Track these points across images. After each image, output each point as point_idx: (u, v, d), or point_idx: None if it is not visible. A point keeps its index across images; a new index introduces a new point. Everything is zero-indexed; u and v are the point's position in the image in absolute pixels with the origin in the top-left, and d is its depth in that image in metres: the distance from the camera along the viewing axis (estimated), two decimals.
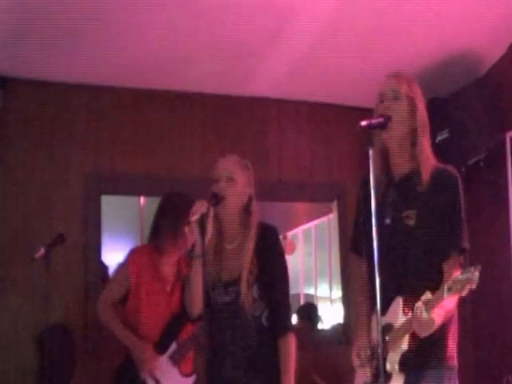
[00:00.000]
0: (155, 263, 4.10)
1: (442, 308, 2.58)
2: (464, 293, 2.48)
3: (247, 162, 3.25)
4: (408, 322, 2.64)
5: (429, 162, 2.82)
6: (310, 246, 8.37)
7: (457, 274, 2.59)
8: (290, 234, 8.51)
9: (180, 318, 3.99)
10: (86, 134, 5.05)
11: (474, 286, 2.45)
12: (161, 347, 4.01)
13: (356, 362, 2.88)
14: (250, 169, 3.24)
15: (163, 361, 3.99)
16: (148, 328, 4.01)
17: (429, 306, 2.53)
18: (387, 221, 2.83)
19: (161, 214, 4.16)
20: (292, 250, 3.75)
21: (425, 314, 2.53)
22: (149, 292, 4.05)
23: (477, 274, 2.43)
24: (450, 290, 2.48)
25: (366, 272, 2.79)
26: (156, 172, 5.15)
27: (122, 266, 4.22)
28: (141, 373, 3.97)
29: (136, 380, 3.96)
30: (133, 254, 4.18)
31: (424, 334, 2.58)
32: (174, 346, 4.02)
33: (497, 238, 5.05)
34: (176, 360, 4.02)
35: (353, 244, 3.06)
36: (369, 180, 2.55)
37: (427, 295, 2.56)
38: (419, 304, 2.55)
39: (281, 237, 3.30)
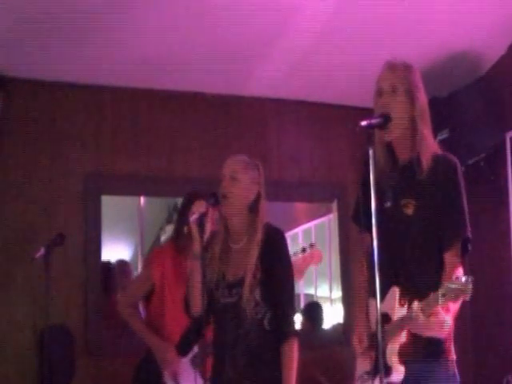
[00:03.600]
0: (178, 264, 4.03)
1: (441, 310, 2.56)
2: (458, 302, 2.46)
3: (256, 161, 3.25)
4: (406, 319, 2.63)
5: (429, 148, 2.80)
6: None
7: (451, 279, 2.59)
8: (289, 233, 8.52)
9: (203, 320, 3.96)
10: (85, 134, 5.05)
11: (467, 298, 2.42)
12: (182, 350, 3.94)
13: (358, 349, 2.86)
14: (259, 167, 3.23)
15: (185, 363, 3.94)
16: (172, 330, 3.94)
17: (426, 311, 2.52)
18: (387, 204, 2.82)
19: (179, 214, 4.14)
20: (319, 261, 3.66)
21: (422, 318, 2.53)
22: (173, 294, 3.98)
23: (470, 285, 2.40)
24: (444, 296, 2.46)
25: (369, 246, 2.72)
26: (156, 172, 5.15)
27: (144, 267, 4.18)
28: (163, 373, 3.92)
29: (156, 380, 3.92)
30: (156, 254, 4.15)
31: (427, 333, 2.58)
32: (195, 350, 3.95)
33: (497, 237, 5.05)
34: (197, 363, 3.97)
35: (354, 214, 3.02)
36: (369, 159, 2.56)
37: (425, 299, 2.54)
38: (416, 309, 2.54)
39: (307, 245, 3.25)
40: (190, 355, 3.96)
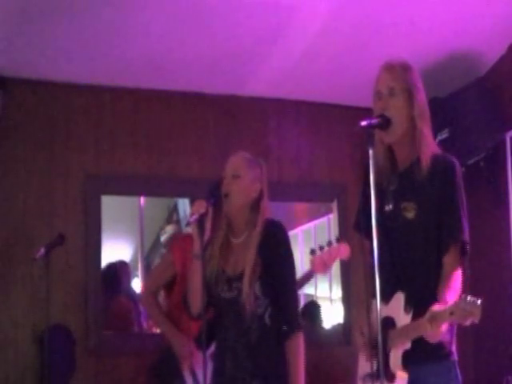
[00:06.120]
0: None
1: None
2: (467, 323, 2.44)
3: (259, 158, 3.24)
4: (412, 329, 2.62)
5: (429, 149, 2.79)
6: (309, 246, 8.36)
7: (449, 283, 2.60)
8: (290, 234, 8.50)
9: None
10: (85, 134, 5.05)
11: (476, 321, 2.41)
12: (202, 343, 3.91)
13: (360, 340, 2.82)
14: (261, 165, 3.21)
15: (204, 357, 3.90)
16: (192, 322, 3.79)
17: (434, 324, 2.51)
18: (388, 208, 2.82)
19: None
20: (346, 255, 3.56)
21: (430, 329, 2.51)
22: None
23: (479, 310, 2.38)
24: (452, 314, 2.45)
25: (369, 251, 2.66)
26: (156, 172, 5.15)
27: (166, 254, 4.11)
28: (181, 367, 3.87)
29: (176, 374, 3.88)
30: (178, 242, 4.10)
31: (433, 340, 2.57)
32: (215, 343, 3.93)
33: (497, 237, 5.04)
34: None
35: (356, 223, 3.00)
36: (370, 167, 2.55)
37: (431, 310, 2.53)
38: (424, 322, 2.53)
39: (334, 239, 3.15)
40: (210, 349, 3.91)
